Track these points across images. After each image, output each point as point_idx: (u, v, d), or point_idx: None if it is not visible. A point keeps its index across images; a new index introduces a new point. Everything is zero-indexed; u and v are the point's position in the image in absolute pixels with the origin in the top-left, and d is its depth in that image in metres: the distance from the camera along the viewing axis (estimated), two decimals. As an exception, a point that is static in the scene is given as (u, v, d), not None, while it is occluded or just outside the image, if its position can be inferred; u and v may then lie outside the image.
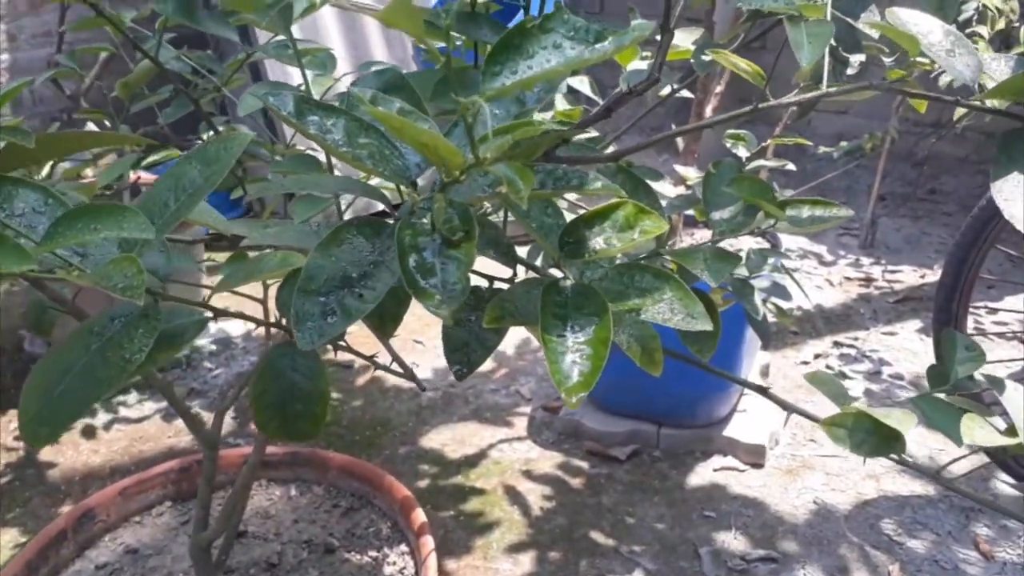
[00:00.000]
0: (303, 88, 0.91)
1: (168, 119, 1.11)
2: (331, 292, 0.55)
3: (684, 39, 1.01)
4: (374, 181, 0.77)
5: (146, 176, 2.67)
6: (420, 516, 1.24)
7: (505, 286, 0.71)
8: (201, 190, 0.55)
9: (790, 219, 0.75)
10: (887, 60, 0.98)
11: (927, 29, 0.71)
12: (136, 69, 1.11)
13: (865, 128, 3.53)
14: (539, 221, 0.64)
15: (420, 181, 0.59)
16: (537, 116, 0.72)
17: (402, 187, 0.59)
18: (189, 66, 1.10)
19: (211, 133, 1.21)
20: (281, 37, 0.94)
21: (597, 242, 0.62)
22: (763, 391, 0.89)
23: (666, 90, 1.11)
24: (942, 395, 0.81)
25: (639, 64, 1.02)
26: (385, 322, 0.72)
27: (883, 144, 2.74)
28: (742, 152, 1.16)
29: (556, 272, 0.66)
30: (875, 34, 0.86)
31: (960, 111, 2.09)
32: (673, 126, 2.25)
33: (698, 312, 0.59)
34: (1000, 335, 2.56)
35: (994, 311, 2.74)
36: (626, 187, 0.74)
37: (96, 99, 1.60)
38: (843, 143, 2.65)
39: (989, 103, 0.74)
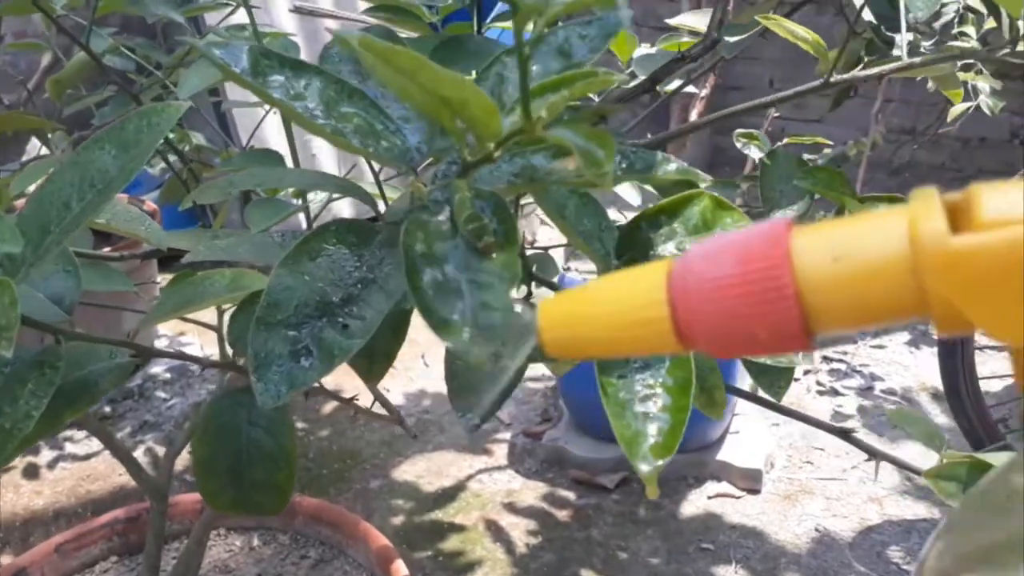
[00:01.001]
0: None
1: (104, 119, 0.96)
2: (304, 324, 0.41)
3: (698, 21, 0.89)
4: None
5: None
6: (401, 569, 1.10)
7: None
8: (115, 183, 0.41)
9: None
10: (926, 44, 0.87)
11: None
12: (69, 64, 0.96)
13: (842, 136, 3.46)
14: (580, 224, 0.50)
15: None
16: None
17: (383, 191, 0.45)
18: (131, 60, 0.96)
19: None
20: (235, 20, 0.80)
21: (667, 248, 0.48)
22: (846, 435, 0.75)
23: (672, 85, 0.99)
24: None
25: (646, 50, 0.90)
26: (375, 362, 0.56)
27: (866, 151, 2.66)
28: (755, 153, 1.05)
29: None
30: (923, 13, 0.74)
31: (955, 112, 2.01)
32: (648, 135, 2.14)
33: None
34: (993, 347, 2.48)
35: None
36: (673, 184, 0.60)
37: (43, 107, 1.45)
38: (826, 150, 2.56)
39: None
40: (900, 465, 0.74)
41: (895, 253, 0.29)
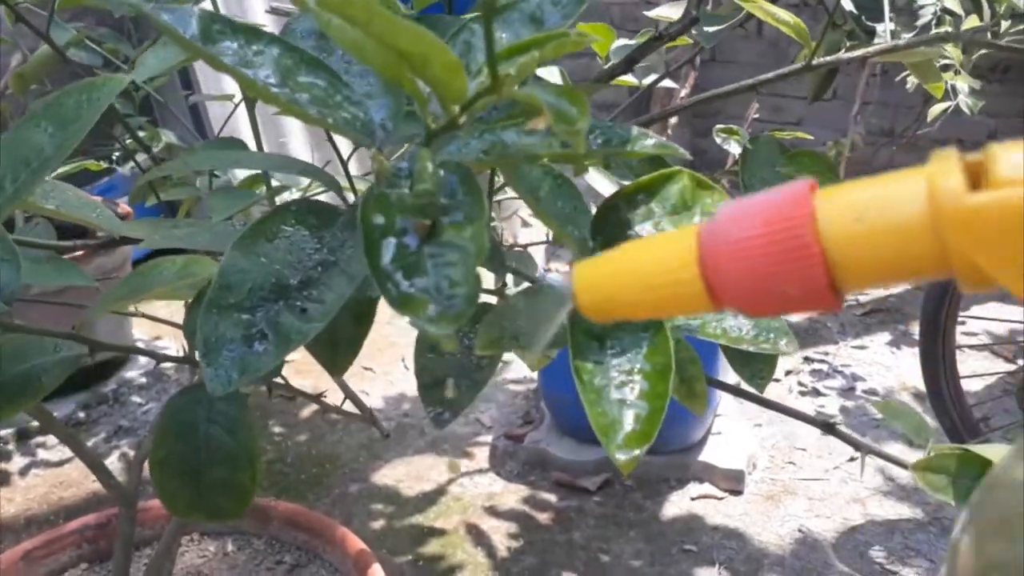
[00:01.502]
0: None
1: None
2: (259, 307, 0.38)
3: (672, 11, 0.87)
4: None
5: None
6: (378, 573, 1.08)
7: (493, 300, 0.54)
8: (50, 161, 0.38)
9: None
10: (906, 35, 0.86)
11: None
12: (32, 58, 0.94)
13: (820, 137, 3.47)
14: (554, 206, 0.48)
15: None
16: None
17: (352, 180, 0.42)
18: (97, 53, 0.93)
19: (127, 138, 1.04)
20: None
21: (644, 228, 0.46)
22: (831, 428, 0.74)
23: (649, 79, 0.97)
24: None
25: (623, 42, 0.88)
26: (338, 351, 0.53)
27: (845, 152, 2.66)
28: (734, 148, 1.03)
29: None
30: None
31: (935, 110, 2.01)
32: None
33: (777, 329, 0.44)
34: (972, 347, 2.48)
35: (962, 321, 2.67)
36: (652, 165, 0.59)
37: (15, 105, 1.41)
38: (806, 151, 2.56)
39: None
40: (886, 458, 0.73)
41: (915, 212, 0.30)
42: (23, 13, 0.92)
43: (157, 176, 0.47)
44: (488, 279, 0.62)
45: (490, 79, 0.34)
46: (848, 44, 0.74)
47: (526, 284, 0.54)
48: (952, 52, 1.90)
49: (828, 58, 0.57)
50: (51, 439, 2.05)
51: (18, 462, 1.97)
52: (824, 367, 2.39)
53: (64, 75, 1.03)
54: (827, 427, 0.73)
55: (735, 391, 0.65)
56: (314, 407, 2.16)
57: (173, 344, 2.39)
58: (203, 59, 0.40)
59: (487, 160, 0.39)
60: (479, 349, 0.45)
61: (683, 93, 1.80)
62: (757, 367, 0.60)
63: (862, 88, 2.87)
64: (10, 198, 0.37)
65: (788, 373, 2.36)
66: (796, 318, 2.68)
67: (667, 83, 1.02)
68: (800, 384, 2.31)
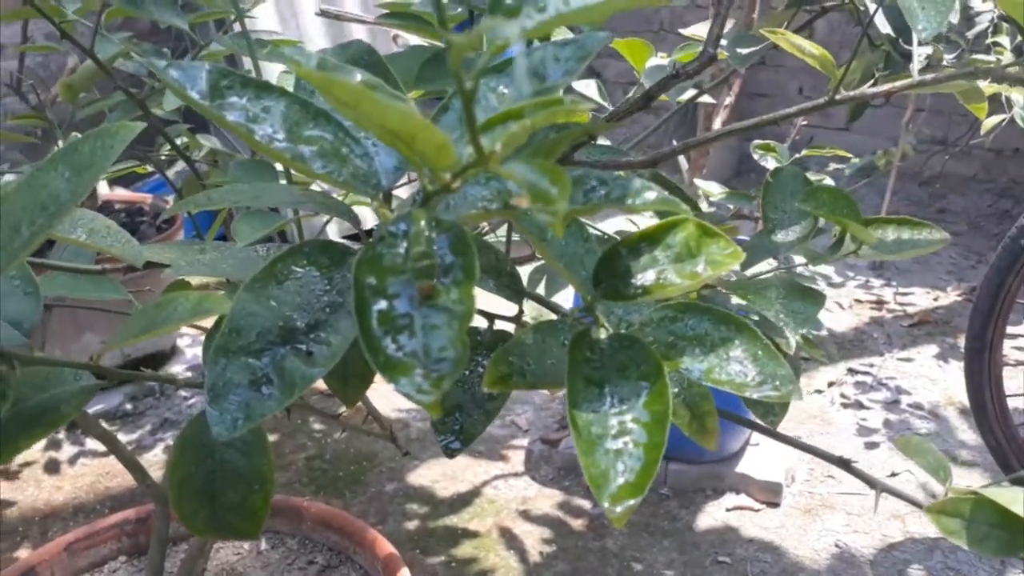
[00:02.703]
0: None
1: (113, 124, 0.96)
2: (266, 351, 0.39)
3: (706, 29, 0.87)
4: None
5: (122, 193, 2.52)
6: (406, 576, 1.09)
7: (511, 327, 0.55)
8: (66, 206, 0.39)
9: (876, 243, 0.60)
10: (948, 57, 0.84)
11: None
12: (81, 69, 0.97)
13: (870, 146, 3.41)
14: (560, 247, 0.48)
15: (402, 194, 0.43)
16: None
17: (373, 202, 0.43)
18: (142, 65, 0.96)
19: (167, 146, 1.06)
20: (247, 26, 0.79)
21: (647, 276, 0.46)
22: (846, 465, 0.73)
23: (689, 94, 0.97)
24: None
25: (657, 61, 0.88)
26: (349, 384, 0.54)
27: (895, 161, 2.61)
28: (771, 164, 1.03)
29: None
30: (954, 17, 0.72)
31: (988, 124, 1.96)
32: (674, 141, 2.12)
33: (783, 375, 0.44)
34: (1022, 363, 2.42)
35: (1012, 336, 2.61)
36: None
37: (64, 109, 1.46)
38: (855, 159, 2.51)
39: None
40: (902, 498, 0.72)
41: None
42: (73, 23, 0.95)
43: (189, 204, 0.49)
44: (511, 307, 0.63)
45: (476, 154, 0.34)
46: (881, 71, 0.73)
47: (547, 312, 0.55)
48: (1003, 57, 1.85)
49: (851, 92, 0.56)
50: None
51: (68, 451, 2.03)
52: (868, 379, 2.36)
53: (111, 83, 1.06)
54: (843, 464, 0.72)
55: (750, 424, 0.65)
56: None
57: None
58: (206, 115, 0.41)
59: (491, 210, 0.39)
60: (486, 386, 0.45)
61: (728, 101, 1.79)
62: (770, 405, 0.59)
63: (914, 95, 2.81)
64: (26, 242, 0.38)
65: (831, 385, 2.33)
66: (842, 328, 2.64)
67: (705, 98, 1.02)
68: (843, 396, 2.28)
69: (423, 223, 0.37)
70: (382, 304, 0.37)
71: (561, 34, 0.82)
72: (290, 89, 0.43)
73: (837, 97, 0.56)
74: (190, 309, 0.47)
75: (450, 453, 0.56)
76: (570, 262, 0.47)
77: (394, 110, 0.33)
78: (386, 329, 0.36)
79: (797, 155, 1.03)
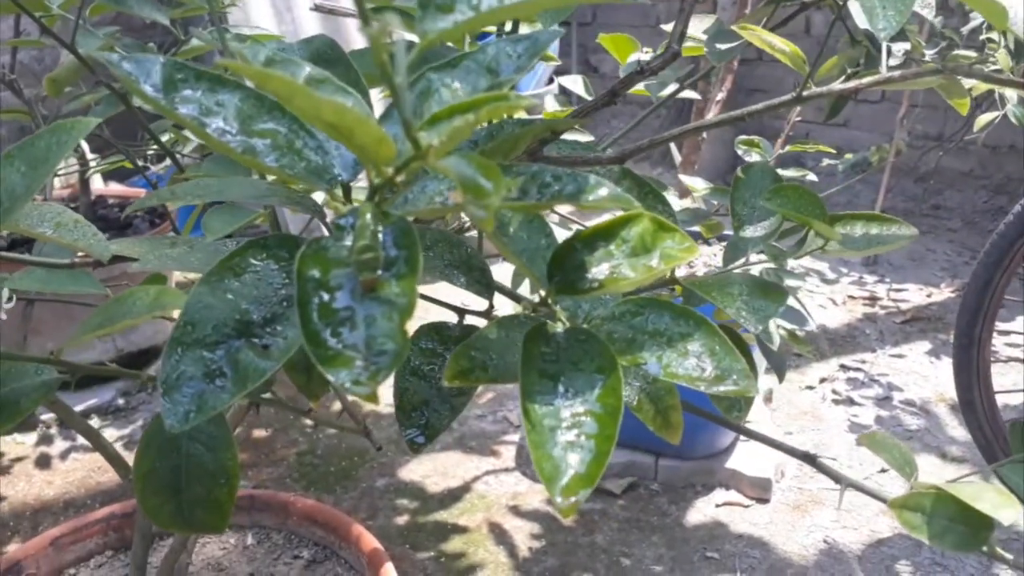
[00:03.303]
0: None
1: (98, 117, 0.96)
2: (221, 343, 0.39)
3: (694, 28, 0.87)
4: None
5: (116, 188, 2.51)
6: (391, 572, 1.09)
7: (482, 322, 0.55)
8: (20, 200, 0.40)
9: (841, 239, 0.60)
10: (929, 52, 0.84)
11: (1010, 2, 0.57)
12: (65, 63, 0.97)
13: (867, 141, 3.41)
14: (521, 242, 0.49)
15: (364, 185, 0.43)
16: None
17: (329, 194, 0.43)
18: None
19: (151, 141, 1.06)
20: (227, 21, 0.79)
21: (601, 270, 0.46)
22: (812, 460, 0.74)
23: (669, 90, 0.97)
24: None
25: (641, 56, 0.88)
26: (313, 377, 0.55)
27: (889, 158, 2.61)
28: (754, 158, 1.03)
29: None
30: (929, 13, 0.72)
31: (982, 120, 1.96)
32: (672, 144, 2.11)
33: (740, 370, 0.44)
34: (1013, 360, 2.43)
35: (1005, 333, 2.61)
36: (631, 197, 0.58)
37: (58, 104, 1.46)
38: (848, 155, 2.52)
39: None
40: (867, 493, 0.73)
41: None
42: (60, 17, 0.95)
43: (152, 199, 0.49)
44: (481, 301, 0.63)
45: (413, 149, 0.35)
46: (863, 64, 0.73)
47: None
48: (1001, 60, 1.84)
49: (820, 89, 0.56)
50: (91, 424, 2.11)
51: (59, 446, 2.03)
52: (860, 375, 2.36)
53: (94, 78, 1.06)
54: (808, 459, 0.73)
55: (717, 420, 0.65)
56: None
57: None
58: (156, 109, 0.41)
59: (446, 206, 0.39)
60: (446, 380, 0.45)
61: (720, 96, 1.79)
62: (735, 400, 0.59)
63: (908, 90, 2.81)
64: None
65: (823, 381, 2.33)
66: (835, 324, 2.64)
67: (689, 94, 1.02)
68: (835, 392, 2.28)
69: (368, 216, 0.37)
70: (324, 296, 0.37)
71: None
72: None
73: (804, 94, 0.57)
74: (148, 304, 0.47)
75: (414, 448, 0.57)
76: (531, 257, 0.48)
77: (328, 104, 0.33)
78: (327, 322, 0.36)
79: (781, 151, 1.03)
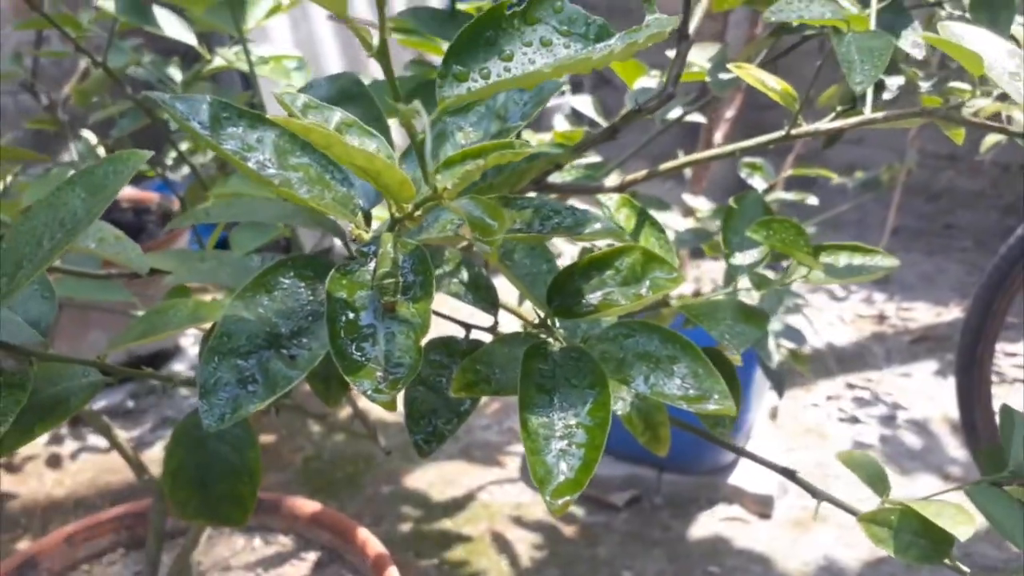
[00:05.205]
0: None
1: (121, 132, 1.00)
2: (253, 353, 0.43)
3: (698, 56, 0.90)
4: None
5: (130, 192, 2.55)
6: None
7: (488, 337, 0.58)
8: (82, 224, 0.43)
9: (824, 268, 0.63)
10: (924, 84, 0.86)
11: (987, 47, 0.59)
12: (93, 75, 1.00)
13: (880, 159, 3.42)
14: (524, 267, 0.52)
15: (382, 213, 0.47)
16: (528, 135, 0.60)
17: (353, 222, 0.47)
18: (155, 74, 0.99)
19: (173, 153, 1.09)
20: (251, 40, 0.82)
21: (595, 296, 0.50)
22: (791, 475, 0.77)
23: (676, 112, 0.99)
24: (998, 484, 0.69)
25: (648, 81, 0.91)
26: (332, 385, 0.59)
27: (900, 177, 2.62)
28: (758, 183, 1.05)
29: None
30: (920, 53, 0.74)
31: (989, 141, 1.97)
32: (681, 153, 2.14)
33: (720, 391, 0.47)
34: (1015, 380, 2.44)
35: (1012, 354, 2.62)
36: (631, 223, 0.62)
37: (76, 109, 1.49)
38: (858, 174, 2.53)
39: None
40: (840, 506, 0.76)
41: None
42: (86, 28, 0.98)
43: (188, 218, 0.53)
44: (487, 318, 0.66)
45: (431, 191, 0.39)
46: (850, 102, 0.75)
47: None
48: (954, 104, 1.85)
49: (806, 128, 0.59)
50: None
51: (70, 446, 2.06)
52: (866, 394, 2.37)
53: (120, 89, 1.09)
54: (788, 474, 0.76)
55: (709, 437, 0.68)
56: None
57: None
58: (207, 146, 0.45)
59: (458, 235, 0.43)
60: (453, 391, 0.49)
61: (729, 115, 1.81)
62: (720, 417, 0.62)
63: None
64: (47, 255, 0.42)
65: (829, 399, 2.34)
66: (842, 342, 2.65)
67: (696, 117, 1.04)
68: (840, 411, 2.29)
69: (389, 246, 0.40)
70: (350, 315, 0.41)
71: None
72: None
73: (793, 132, 0.59)
74: (188, 315, 0.51)
75: (421, 452, 0.60)
76: (533, 281, 0.51)
77: (359, 153, 0.37)
78: (352, 337, 0.40)
79: (782, 175, 1.05)
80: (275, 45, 2.60)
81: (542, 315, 0.51)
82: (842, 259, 0.65)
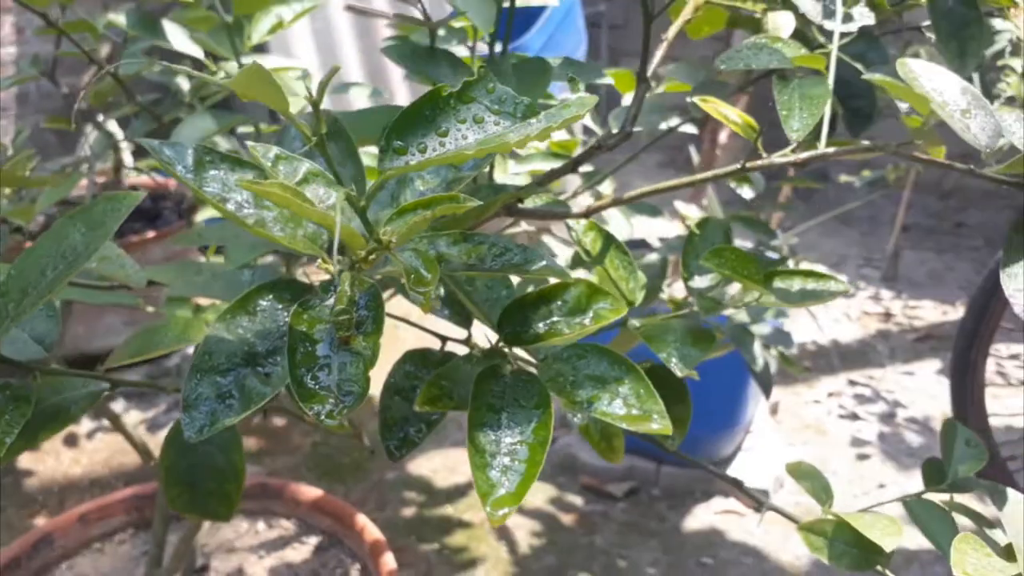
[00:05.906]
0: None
1: (135, 133, 1.05)
2: (231, 370, 0.48)
3: (688, 75, 0.93)
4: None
5: (146, 179, 2.61)
6: (390, 562, 1.17)
7: (463, 349, 0.63)
8: (81, 258, 0.48)
9: (777, 292, 0.67)
10: (903, 106, 0.89)
11: (941, 85, 0.62)
12: (108, 80, 1.05)
13: (888, 158, 3.43)
14: (483, 293, 0.57)
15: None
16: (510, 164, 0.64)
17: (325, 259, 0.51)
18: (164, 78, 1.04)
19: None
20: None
21: (539, 326, 0.54)
22: (738, 484, 0.82)
23: (667, 124, 1.03)
24: (938, 496, 0.73)
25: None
26: None
27: (908, 175, 2.64)
28: (746, 193, 1.09)
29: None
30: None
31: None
32: (692, 148, 2.16)
33: (659, 411, 0.51)
34: (1011, 385, 2.45)
35: (1015, 356, 2.63)
36: (596, 246, 0.66)
37: (85, 115, 1.54)
38: (865, 172, 2.55)
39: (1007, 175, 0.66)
40: (783, 515, 0.80)
41: None
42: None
43: (183, 240, 0.57)
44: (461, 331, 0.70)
45: (375, 244, 0.44)
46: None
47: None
48: (1014, 85, 1.87)
49: (760, 162, 0.62)
50: (117, 405, 2.21)
51: (86, 425, 2.13)
52: (867, 391, 2.40)
53: (140, 90, 1.14)
54: (736, 484, 0.82)
55: (654, 443, 0.72)
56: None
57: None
58: (190, 190, 0.49)
59: (423, 270, 0.47)
60: (418, 405, 0.53)
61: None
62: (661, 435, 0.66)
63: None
64: (50, 284, 0.47)
65: (830, 395, 2.37)
66: (847, 339, 2.68)
67: (687, 128, 1.07)
68: (841, 407, 2.33)
69: (347, 284, 0.45)
70: (308, 347, 0.46)
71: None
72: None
73: (748, 164, 0.62)
74: (177, 336, 0.57)
75: (392, 456, 0.65)
76: (491, 307, 0.56)
77: (313, 212, 0.42)
78: (308, 367, 0.45)
79: (775, 183, 1.08)
80: (292, 49, 2.66)
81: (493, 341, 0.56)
82: (796, 284, 0.68)
